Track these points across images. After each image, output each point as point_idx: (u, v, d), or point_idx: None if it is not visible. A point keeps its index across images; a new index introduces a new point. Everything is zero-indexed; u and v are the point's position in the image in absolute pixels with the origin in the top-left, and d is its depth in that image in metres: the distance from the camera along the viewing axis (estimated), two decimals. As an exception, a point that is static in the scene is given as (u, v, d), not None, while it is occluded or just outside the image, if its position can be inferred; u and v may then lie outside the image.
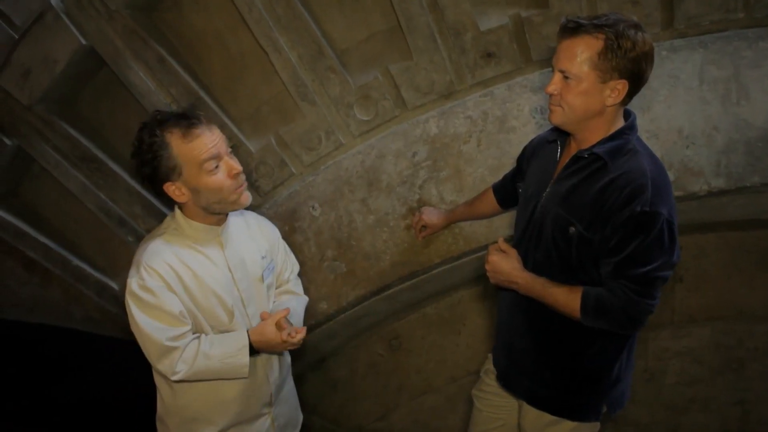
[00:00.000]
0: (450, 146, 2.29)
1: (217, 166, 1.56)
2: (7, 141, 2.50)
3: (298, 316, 1.91)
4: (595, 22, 1.44)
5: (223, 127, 2.34)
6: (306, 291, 2.42)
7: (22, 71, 2.29)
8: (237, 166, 1.60)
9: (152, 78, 2.28)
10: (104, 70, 2.34)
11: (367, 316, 2.60)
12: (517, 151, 2.03)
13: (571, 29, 1.46)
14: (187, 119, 1.54)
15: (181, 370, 1.62)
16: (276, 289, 1.96)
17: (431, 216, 2.23)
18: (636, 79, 1.47)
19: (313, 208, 2.43)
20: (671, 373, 2.81)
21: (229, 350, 1.65)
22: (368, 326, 2.75)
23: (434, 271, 2.38)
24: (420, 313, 2.79)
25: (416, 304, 2.75)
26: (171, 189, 1.57)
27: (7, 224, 2.70)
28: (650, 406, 2.87)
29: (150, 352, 1.62)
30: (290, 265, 2.03)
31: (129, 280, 1.59)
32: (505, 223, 2.23)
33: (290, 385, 2.03)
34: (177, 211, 1.68)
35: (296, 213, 2.45)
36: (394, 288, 2.40)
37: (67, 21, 2.19)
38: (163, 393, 1.78)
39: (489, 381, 2.04)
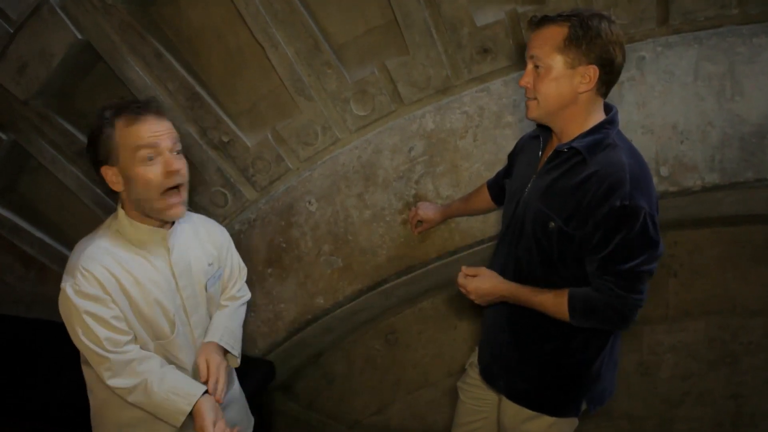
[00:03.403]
0: (446, 141, 2.30)
1: (152, 159, 1.47)
2: (3, 136, 2.50)
3: (232, 333, 1.80)
4: (560, 14, 1.51)
5: (219, 122, 2.36)
6: (302, 286, 2.44)
7: (18, 66, 2.28)
8: (175, 164, 1.49)
9: (149, 73, 2.28)
10: (101, 64, 2.34)
11: (363, 311, 2.61)
12: (512, 146, 2.04)
13: (538, 22, 1.53)
14: (136, 105, 1.50)
15: (117, 385, 1.52)
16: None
17: (427, 211, 2.24)
18: (607, 65, 1.48)
19: (309, 203, 2.43)
20: (666, 366, 2.83)
21: (177, 389, 1.54)
22: (365, 321, 2.76)
23: (430, 266, 2.39)
24: (416, 307, 2.80)
25: (413, 299, 2.76)
26: (108, 174, 1.50)
27: (4, 219, 2.70)
28: (645, 399, 2.89)
29: (89, 359, 1.53)
30: (240, 275, 1.93)
31: (63, 285, 1.48)
32: (500, 218, 2.24)
33: (235, 387, 1.92)
34: (120, 210, 1.58)
35: (293, 208, 2.45)
36: (391, 282, 2.41)
37: (63, 15, 2.18)
38: (95, 392, 1.68)
39: (473, 374, 2.06)
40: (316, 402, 2.97)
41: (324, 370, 2.92)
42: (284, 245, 2.46)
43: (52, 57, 2.25)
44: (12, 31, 2.24)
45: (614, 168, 1.47)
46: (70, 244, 2.74)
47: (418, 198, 2.32)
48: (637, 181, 1.47)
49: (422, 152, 2.32)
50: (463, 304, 2.78)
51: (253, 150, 2.43)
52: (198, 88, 2.32)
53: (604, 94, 1.56)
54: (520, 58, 2.22)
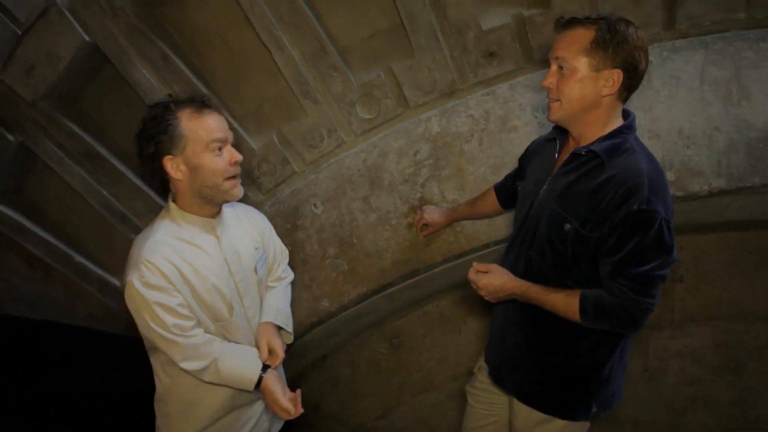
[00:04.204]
0: (452, 145, 2.30)
1: (220, 149, 1.62)
2: (10, 137, 2.51)
3: (284, 312, 1.97)
4: (587, 16, 1.52)
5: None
6: (307, 289, 2.44)
7: (26, 67, 2.30)
8: (238, 155, 1.66)
9: (155, 75, 2.29)
10: (108, 66, 2.35)
11: (368, 314, 2.60)
12: (518, 150, 2.03)
13: (565, 24, 1.54)
14: (200, 100, 1.64)
15: (191, 368, 1.66)
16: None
17: (433, 214, 2.24)
18: (631, 70, 1.49)
19: (315, 206, 2.43)
20: (671, 372, 2.82)
21: (242, 367, 1.73)
22: (370, 324, 2.76)
23: (436, 270, 2.38)
24: (421, 311, 2.80)
25: (417, 303, 2.76)
26: (170, 164, 1.60)
27: (11, 220, 2.71)
28: (651, 405, 2.88)
29: (159, 345, 1.65)
30: (283, 256, 2.08)
31: (129, 278, 1.58)
32: (507, 221, 2.24)
33: (280, 369, 2.04)
34: (171, 203, 1.70)
35: (298, 211, 2.45)
36: (396, 286, 2.41)
37: (71, 17, 2.20)
38: (161, 376, 1.80)
39: (482, 378, 2.05)
40: (321, 405, 2.97)
41: (328, 373, 2.92)
42: (289, 248, 2.45)
43: (60, 59, 2.26)
44: (20, 33, 2.26)
45: (633, 173, 1.48)
46: (76, 245, 2.79)
47: (423, 201, 2.32)
48: (655, 187, 1.47)
49: (428, 156, 2.32)
50: (468, 308, 2.78)
51: (258, 152, 2.44)
52: (204, 90, 2.33)
53: (625, 99, 1.57)
54: (526, 61, 2.22)
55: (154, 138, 1.58)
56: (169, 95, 1.72)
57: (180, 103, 1.62)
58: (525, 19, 2.14)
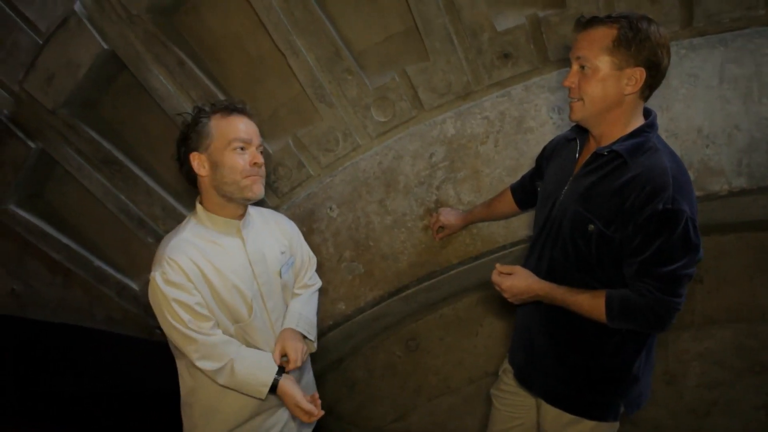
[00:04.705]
0: (467, 147, 2.29)
1: (243, 150, 1.69)
2: (31, 144, 2.55)
3: (307, 319, 1.95)
4: (608, 15, 1.52)
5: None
6: (324, 292, 2.44)
7: (47, 76, 2.33)
8: (260, 158, 1.72)
9: (172, 81, 2.32)
10: (125, 73, 2.38)
11: (384, 317, 2.60)
12: (534, 151, 2.02)
13: (586, 22, 1.54)
14: (233, 105, 1.74)
15: (206, 367, 1.68)
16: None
17: (449, 217, 2.23)
18: (653, 67, 1.49)
19: (330, 209, 2.44)
20: (692, 375, 2.77)
21: (257, 366, 1.73)
22: (386, 327, 2.75)
23: (452, 272, 2.37)
24: (437, 314, 2.79)
25: (434, 305, 2.75)
26: (195, 159, 1.70)
27: (32, 225, 2.75)
28: (671, 408, 2.83)
29: (177, 342, 1.68)
30: (310, 263, 2.09)
31: (153, 274, 1.64)
32: (523, 223, 2.23)
33: (309, 375, 2.05)
34: (198, 205, 1.76)
35: (314, 214, 2.46)
36: (412, 289, 2.41)
37: (90, 26, 2.23)
38: (186, 378, 1.83)
39: (507, 380, 2.04)
40: (337, 408, 2.97)
41: (344, 377, 2.92)
42: (305, 251, 2.47)
43: (79, 67, 2.30)
44: (41, 43, 2.30)
45: (657, 171, 1.47)
46: (95, 250, 2.83)
47: (439, 204, 2.32)
48: (680, 185, 1.46)
49: (443, 158, 2.31)
50: (485, 311, 2.76)
51: (274, 157, 2.45)
52: (220, 96, 2.35)
53: (647, 98, 1.56)
54: (541, 62, 2.21)
55: (186, 136, 1.71)
56: (214, 103, 1.81)
57: (216, 106, 1.73)
58: (540, 19, 2.13)
